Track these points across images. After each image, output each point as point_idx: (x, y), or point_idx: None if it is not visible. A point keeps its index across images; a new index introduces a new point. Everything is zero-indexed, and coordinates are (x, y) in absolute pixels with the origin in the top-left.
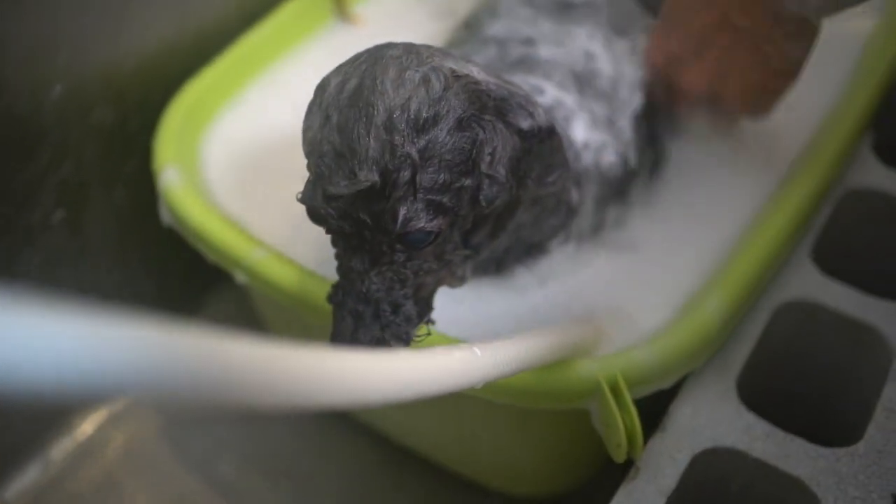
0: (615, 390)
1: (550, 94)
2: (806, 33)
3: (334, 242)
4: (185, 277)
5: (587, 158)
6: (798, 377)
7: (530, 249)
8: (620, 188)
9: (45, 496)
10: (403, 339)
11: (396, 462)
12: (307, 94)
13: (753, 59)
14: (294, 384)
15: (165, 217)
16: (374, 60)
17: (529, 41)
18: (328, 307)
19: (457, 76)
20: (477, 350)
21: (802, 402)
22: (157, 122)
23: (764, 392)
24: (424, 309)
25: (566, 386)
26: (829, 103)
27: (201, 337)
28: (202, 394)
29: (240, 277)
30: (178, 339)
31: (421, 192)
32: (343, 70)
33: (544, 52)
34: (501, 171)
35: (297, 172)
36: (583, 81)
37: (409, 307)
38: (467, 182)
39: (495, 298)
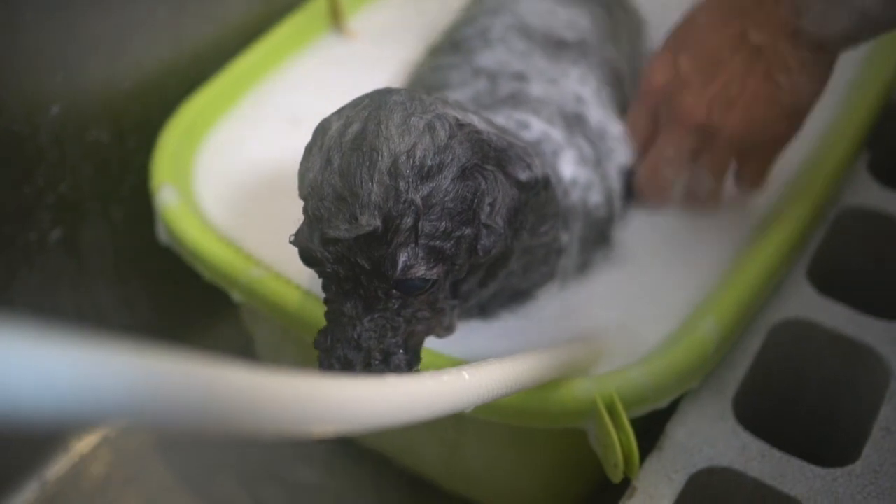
0: (611, 410)
1: (537, 128)
2: (821, 65)
3: (325, 287)
4: (183, 296)
5: (574, 196)
6: (794, 396)
7: (516, 296)
8: (604, 230)
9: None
10: None
11: (393, 481)
12: (303, 110)
13: (764, 90)
14: (284, 411)
15: (162, 236)
16: (377, 105)
17: (521, 77)
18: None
19: (461, 125)
20: (465, 374)
21: (799, 421)
22: (154, 141)
23: (760, 411)
24: (413, 359)
25: (562, 406)
26: (826, 123)
27: (193, 364)
28: (194, 420)
29: (236, 296)
30: (171, 367)
31: (423, 238)
32: (345, 113)
33: (535, 89)
34: (500, 222)
35: (293, 191)
36: (571, 120)
37: (400, 357)
38: (467, 231)
39: (479, 336)
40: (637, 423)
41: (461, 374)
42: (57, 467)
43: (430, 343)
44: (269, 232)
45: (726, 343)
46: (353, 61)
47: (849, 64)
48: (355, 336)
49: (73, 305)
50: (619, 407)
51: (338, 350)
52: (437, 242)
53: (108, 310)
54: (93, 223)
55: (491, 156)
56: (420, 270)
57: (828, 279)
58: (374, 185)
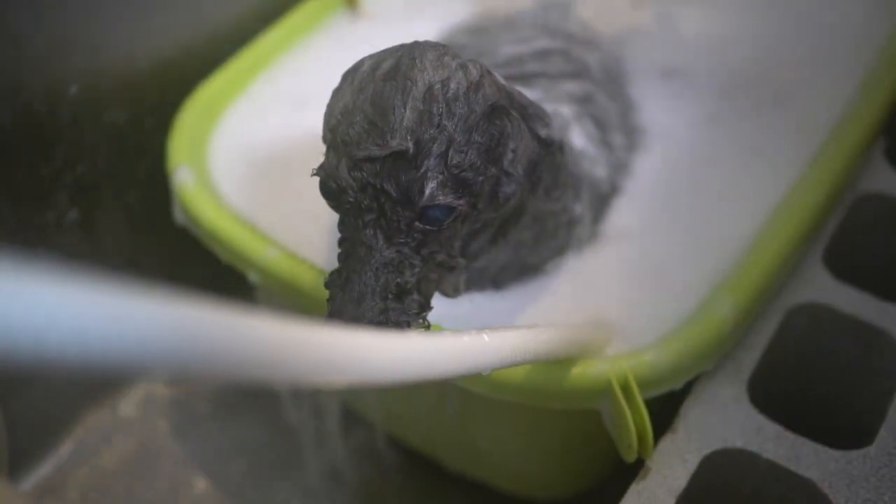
0: (626, 390)
1: (548, 106)
2: None
3: (343, 223)
4: (198, 277)
5: (584, 166)
6: (810, 380)
7: (527, 269)
8: (606, 204)
9: (75, 473)
10: (402, 327)
11: (406, 464)
12: (314, 92)
13: None
14: (304, 360)
15: (179, 217)
16: (412, 46)
17: (542, 57)
18: None
19: (489, 71)
20: (486, 336)
21: (814, 404)
22: (170, 123)
23: (775, 394)
24: (425, 304)
25: (577, 386)
26: (843, 109)
27: (220, 312)
28: (220, 367)
29: (253, 277)
30: (196, 313)
31: (453, 168)
32: (376, 55)
33: (550, 71)
34: (520, 171)
35: (307, 172)
36: (580, 100)
37: (414, 297)
38: (492, 171)
39: (492, 307)
40: (652, 404)
41: (481, 336)
42: (71, 447)
43: (447, 318)
44: (284, 213)
45: (742, 325)
46: (365, 43)
47: (866, 51)
48: (375, 266)
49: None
50: (634, 387)
51: (355, 282)
52: (465, 174)
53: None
54: (109, 204)
55: (515, 106)
56: (448, 198)
57: (844, 264)
58: (408, 110)
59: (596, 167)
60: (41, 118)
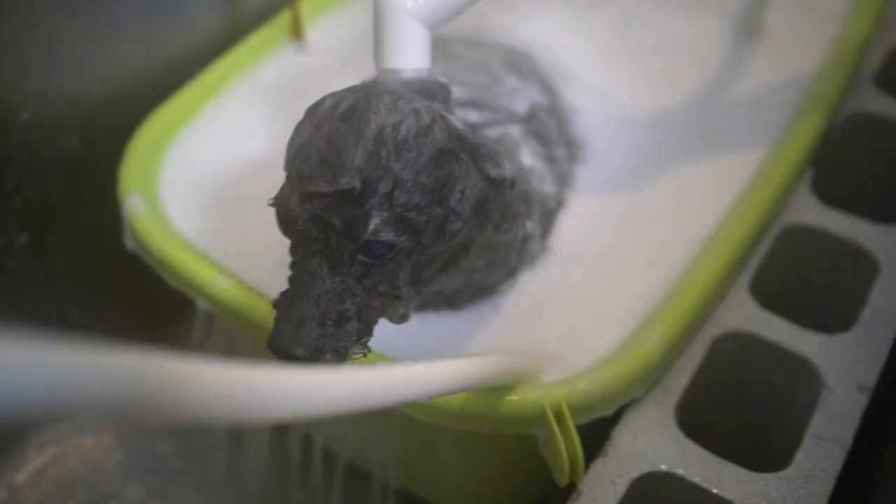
0: (559, 417)
1: (496, 130)
2: None
3: (294, 249)
4: (149, 302)
5: (533, 183)
6: (735, 405)
7: (481, 291)
8: (553, 220)
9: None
10: (340, 354)
11: (348, 481)
12: (263, 120)
13: None
14: (237, 399)
15: (130, 243)
16: (370, 87)
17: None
18: None
19: (442, 116)
20: (421, 367)
21: (739, 428)
22: (123, 148)
23: (702, 419)
24: (365, 331)
25: (513, 412)
26: (772, 142)
27: (152, 358)
28: (150, 412)
29: (201, 304)
30: (129, 362)
31: (396, 207)
32: (338, 94)
33: (496, 97)
34: (467, 210)
35: (254, 200)
36: (526, 120)
37: (353, 324)
38: (437, 211)
39: (447, 326)
40: (584, 429)
41: (416, 367)
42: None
43: (399, 342)
44: (232, 241)
45: (672, 353)
46: (309, 73)
47: (796, 84)
48: (316, 294)
49: (38, 309)
50: (567, 414)
51: (297, 307)
52: (409, 214)
53: (74, 314)
54: (60, 228)
55: (466, 149)
56: (389, 235)
57: (769, 293)
58: (359, 150)
59: (544, 183)
60: None
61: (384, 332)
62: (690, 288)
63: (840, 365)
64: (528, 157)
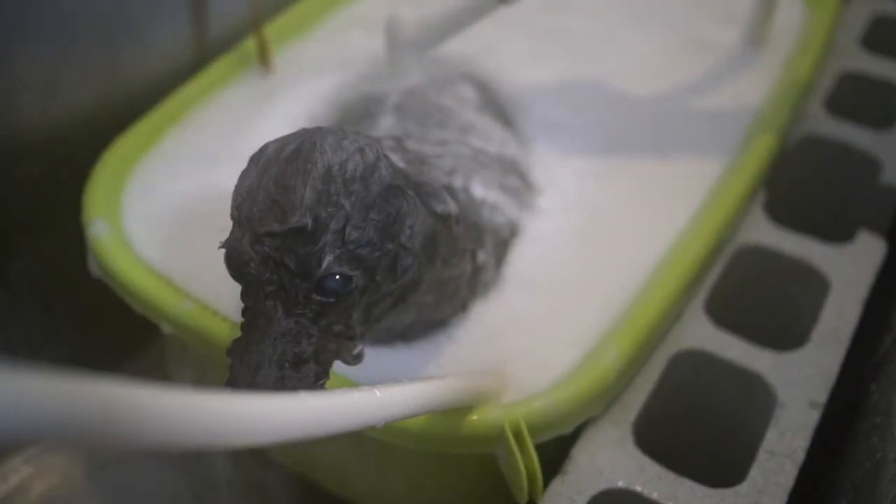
0: (518, 436)
1: (448, 161)
2: None
3: (245, 295)
4: (115, 327)
5: (485, 214)
6: (692, 422)
7: (432, 325)
8: (506, 249)
9: None
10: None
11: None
12: (221, 147)
13: None
14: (191, 425)
15: (94, 269)
16: (313, 131)
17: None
18: None
19: (385, 155)
20: (377, 392)
21: (696, 445)
22: (87, 174)
23: (659, 436)
24: (322, 373)
25: (473, 432)
26: (726, 163)
27: (108, 386)
28: (108, 438)
29: (165, 328)
30: (83, 388)
31: (350, 244)
32: (281, 139)
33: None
34: (417, 245)
35: (216, 226)
36: (476, 153)
37: (311, 366)
38: (389, 247)
39: (401, 360)
40: (543, 448)
41: (373, 392)
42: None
43: (355, 376)
44: (195, 267)
45: (628, 372)
46: (273, 98)
47: (748, 107)
48: (272, 336)
49: (2, 334)
50: (525, 433)
51: (253, 350)
52: (361, 251)
53: (39, 339)
54: (24, 254)
55: (410, 185)
56: (343, 269)
57: (724, 312)
58: (307, 189)
59: (496, 214)
60: None
61: (338, 366)
62: (645, 308)
63: (792, 381)
64: (480, 187)
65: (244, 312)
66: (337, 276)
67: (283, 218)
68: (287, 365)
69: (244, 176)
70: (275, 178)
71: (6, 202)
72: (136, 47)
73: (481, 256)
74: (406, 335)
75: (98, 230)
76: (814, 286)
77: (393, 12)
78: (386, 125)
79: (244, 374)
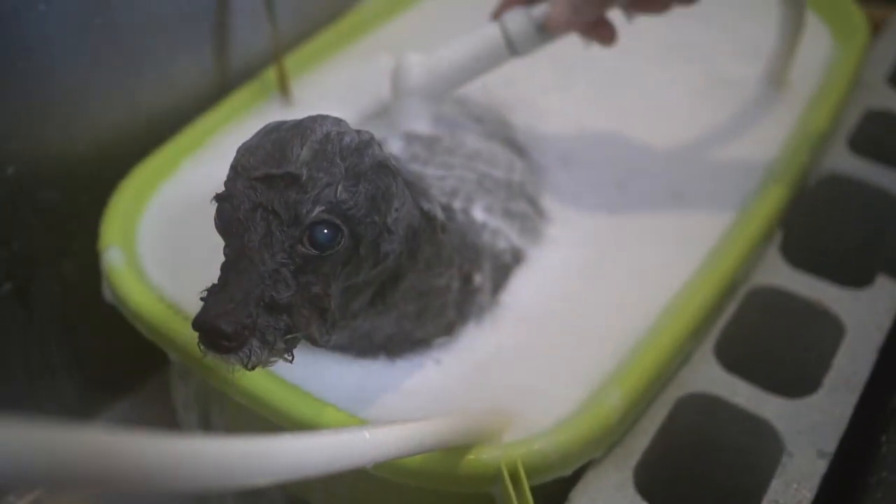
0: (514, 477)
1: (450, 182)
2: None
3: (229, 245)
4: (132, 349)
5: (485, 237)
6: (695, 467)
7: (417, 343)
8: (507, 275)
9: None
10: (267, 342)
11: None
12: None
13: None
14: (184, 469)
15: (107, 295)
16: (315, 115)
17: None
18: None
19: (379, 144)
20: (366, 433)
21: (698, 491)
22: (106, 200)
23: (662, 480)
24: (291, 330)
25: (469, 471)
26: (742, 201)
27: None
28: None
29: (174, 357)
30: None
31: (340, 203)
32: (282, 120)
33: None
34: (400, 232)
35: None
36: (480, 178)
37: (283, 318)
38: (376, 218)
39: (380, 375)
40: (542, 490)
41: (362, 433)
42: None
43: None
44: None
45: (631, 415)
46: None
47: (767, 144)
48: (252, 275)
49: (22, 356)
50: (522, 475)
51: (230, 287)
52: (351, 211)
53: (57, 360)
54: (44, 277)
55: (402, 176)
56: (335, 220)
57: (734, 355)
58: (304, 149)
59: (497, 238)
60: None
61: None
62: (651, 350)
63: (801, 429)
64: (481, 211)
65: (224, 264)
66: (325, 230)
67: (279, 166)
68: (262, 305)
69: (245, 141)
70: (273, 139)
71: (28, 226)
72: (158, 76)
73: (477, 279)
74: (388, 347)
75: (112, 257)
76: (828, 331)
77: (401, 57)
78: (394, 149)
79: (217, 306)
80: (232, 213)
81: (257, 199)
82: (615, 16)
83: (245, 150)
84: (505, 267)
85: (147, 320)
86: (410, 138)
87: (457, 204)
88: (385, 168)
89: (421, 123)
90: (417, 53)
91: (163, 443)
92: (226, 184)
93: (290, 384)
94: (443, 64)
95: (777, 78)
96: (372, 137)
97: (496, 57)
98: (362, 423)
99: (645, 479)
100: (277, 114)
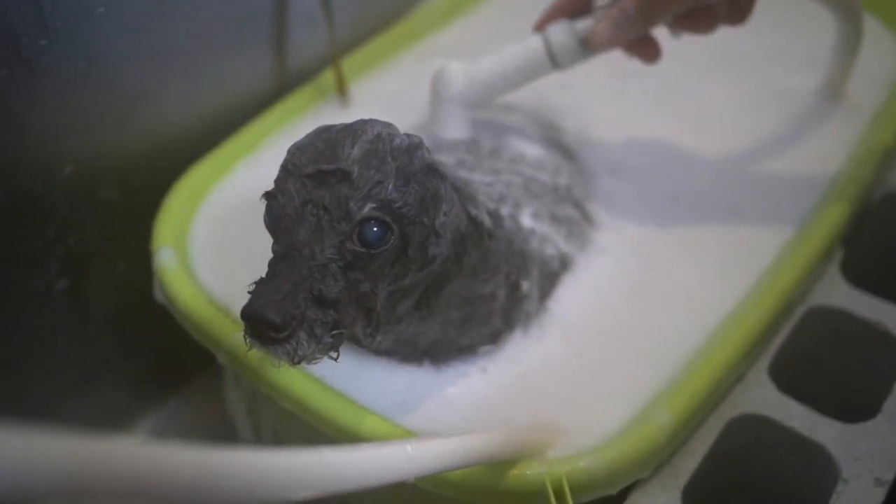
0: (559, 494)
1: (497, 188)
2: None
3: (278, 242)
4: (181, 347)
5: (533, 244)
6: (746, 491)
7: (462, 350)
8: (555, 282)
9: None
10: (315, 336)
11: None
12: None
13: None
14: (225, 483)
15: (158, 295)
16: (363, 119)
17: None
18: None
19: (428, 149)
20: (409, 447)
21: None
22: (160, 201)
23: (710, 502)
24: (337, 326)
25: (513, 486)
26: (801, 218)
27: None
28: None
29: (221, 359)
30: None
31: (391, 201)
32: (333, 123)
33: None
34: (448, 235)
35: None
36: (528, 183)
37: (331, 313)
38: (425, 220)
39: (425, 382)
40: None
41: (404, 447)
42: None
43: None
44: None
45: (680, 435)
46: None
47: (827, 158)
48: (300, 269)
49: (74, 352)
50: (567, 492)
51: (279, 279)
52: (402, 210)
53: (110, 356)
54: (97, 275)
55: (450, 180)
56: (386, 217)
57: (790, 376)
58: (355, 148)
59: (545, 245)
60: (35, 195)
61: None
62: (703, 369)
63: (858, 456)
64: (529, 217)
65: (272, 261)
66: (375, 227)
67: (330, 162)
68: (310, 298)
69: (296, 141)
70: (325, 139)
71: (85, 225)
72: (215, 78)
73: (525, 286)
74: (433, 354)
75: (164, 258)
76: (888, 353)
77: (441, 64)
78: (440, 154)
79: (265, 297)
80: (281, 209)
81: (307, 195)
82: (661, 30)
83: (296, 150)
84: (553, 274)
85: (196, 321)
86: (455, 144)
87: (504, 210)
88: (434, 171)
89: (460, 130)
90: (458, 61)
91: (199, 456)
92: (276, 182)
93: (333, 390)
94: (483, 73)
95: (836, 90)
96: (421, 141)
97: (538, 69)
98: (404, 431)
99: (693, 500)
100: (333, 116)
